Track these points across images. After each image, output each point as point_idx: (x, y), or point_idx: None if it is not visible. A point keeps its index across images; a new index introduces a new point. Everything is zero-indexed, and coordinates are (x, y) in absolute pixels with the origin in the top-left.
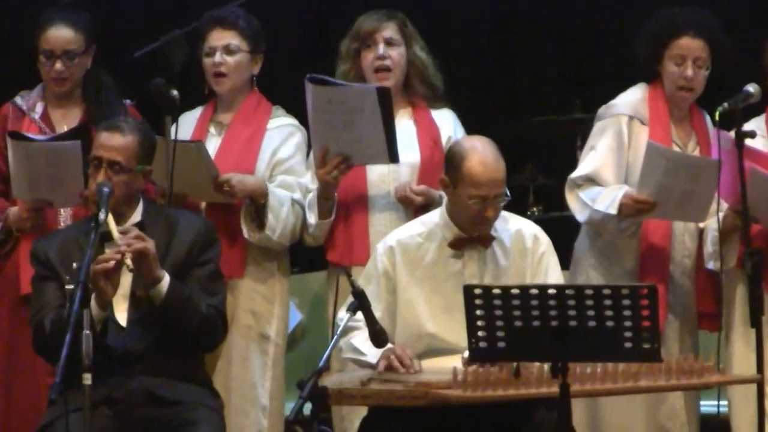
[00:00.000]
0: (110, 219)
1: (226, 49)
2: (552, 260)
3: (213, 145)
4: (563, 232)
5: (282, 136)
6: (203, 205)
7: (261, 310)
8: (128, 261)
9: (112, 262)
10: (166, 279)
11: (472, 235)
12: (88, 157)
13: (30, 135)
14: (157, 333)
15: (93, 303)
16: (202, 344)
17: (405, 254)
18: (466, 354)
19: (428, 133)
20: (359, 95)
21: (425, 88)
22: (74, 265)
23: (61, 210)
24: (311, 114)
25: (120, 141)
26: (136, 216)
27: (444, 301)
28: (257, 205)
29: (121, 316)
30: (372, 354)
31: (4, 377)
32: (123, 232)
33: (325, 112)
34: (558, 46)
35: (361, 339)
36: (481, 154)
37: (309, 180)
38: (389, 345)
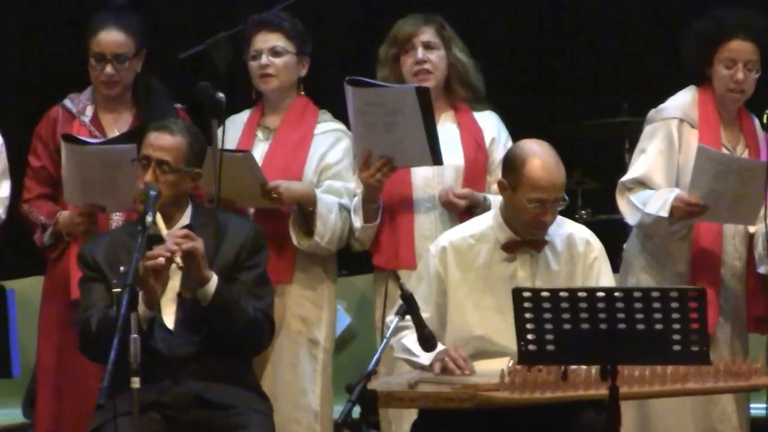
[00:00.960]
0: (159, 219)
1: (273, 51)
2: (604, 266)
3: (260, 150)
4: (611, 235)
5: (329, 141)
6: (251, 211)
7: (310, 316)
8: (178, 259)
9: (162, 259)
10: (214, 279)
11: (525, 238)
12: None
13: (84, 138)
14: (204, 336)
15: (140, 302)
16: (248, 347)
17: (457, 255)
18: (511, 363)
19: (471, 135)
20: (398, 96)
21: (466, 90)
22: (121, 268)
23: (113, 215)
24: (352, 117)
25: (169, 141)
26: (185, 219)
27: (494, 304)
28: (305, 212)
29: (169, 319)
30: (425, 356)
31: (54, 381)
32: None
33: (366, 115)
34: (606, 48)
35: (412, 339)
36: (543, 158)
37: (356, 184)
38: (441, 346)
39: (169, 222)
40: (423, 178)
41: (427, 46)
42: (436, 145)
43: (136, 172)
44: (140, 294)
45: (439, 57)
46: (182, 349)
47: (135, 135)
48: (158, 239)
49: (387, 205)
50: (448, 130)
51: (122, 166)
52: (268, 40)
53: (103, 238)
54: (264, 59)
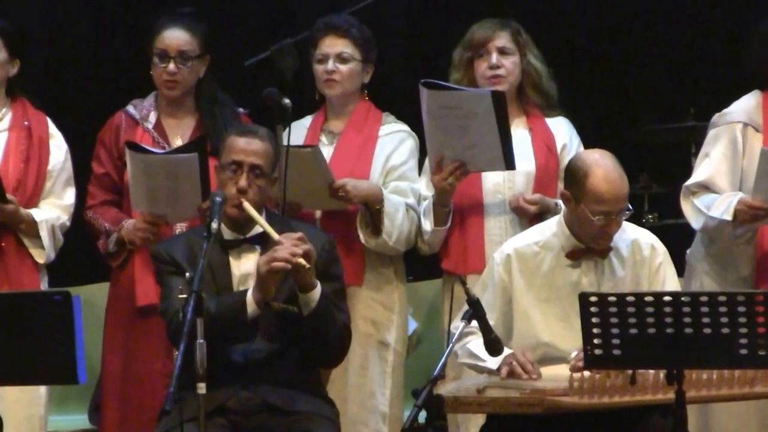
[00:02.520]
0: (262, 220)
1: (339, 57)
2: (669, 270)
3: (325, 153)
4: (678, 240)
5: (394, 143)
6: (318, 214)
7: (380, 318)
8: (302, 260)
9: (288, 265)
10: (319, 287)
11: (590, 246)
12: (204, 168)
13: (148, 147)
14: (278, 343)
15: (250, 299)
16: (330, 358)
17: (522, 263)
18: (573, 354)
19: (543, 140)
20: (473, 100)
21: (539, 96)
22: (187, 274)
23: (176, 225)
24: (426, 119)
25: (260, 146)
26: (258, 227)
27: (560, 311)
28: (372, 210)
29: None
30: (491, 360)
31: (120, 387)
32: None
33: (440, 118)
34: (671, 53)
35: (478, 344)
36: (605, 170)
37: (424, 186)
38: (508, 350)
39: (247, 229)
40: (494, 183)
41: (502, 52)
42: (510, 150)
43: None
44: (250, 292)
45: (513, 63)
46: (257, 355)
47: (197, 144)
48: (236, 243)
49: (457, 209)
50: (519, 135)
51: (185, 175)
52: (335, 45)
53: (178, 240)
54: (330, 64)
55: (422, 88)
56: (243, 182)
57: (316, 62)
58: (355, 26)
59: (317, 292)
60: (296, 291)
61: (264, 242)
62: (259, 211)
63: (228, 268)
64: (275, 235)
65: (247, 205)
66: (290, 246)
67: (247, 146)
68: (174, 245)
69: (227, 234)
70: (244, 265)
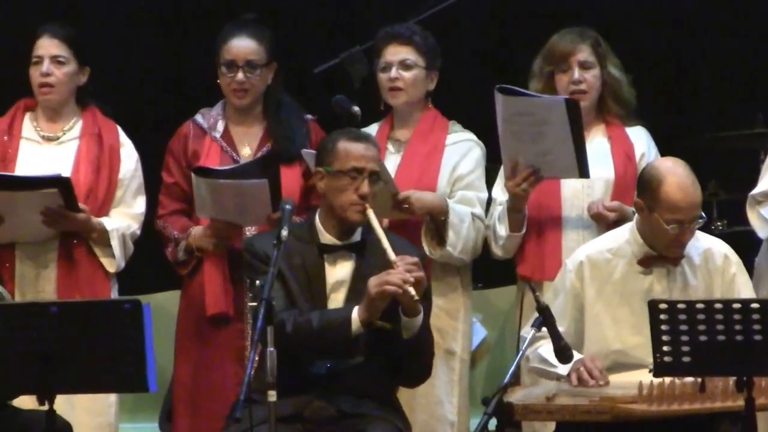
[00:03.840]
0: (383, 233)
1: (403, 64)
2: (743, 280)
3: (392, 162)
4: (747, 247)
5: (461, 152)
6: (386, 222)
7: (445, 326)
8: (412, 291)
9: (400, 290)
10: (422, 314)
11: (662, 254)
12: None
13: (215, 168)
14: (363, 357)
15: (355, 317)
16: (420, 378)
17: (594, 270)
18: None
19: (622, 149)
20: (547, 107)
21: (619, 106)
22: (257, 282)
23: (247, 228)
24: (500, 125)
25: (376, 152)
26: (356, 235)
27: (631, 317)
28: (437, 221)
29: None
30: (562, 366)
31: (191, 395)
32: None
33: (514, 124)
34: (740, 60)
35: (548, 349)
36: (679, 179)
37: (499, 191)
38: (578, 355)
39: (348, 236)
40: (572, 190)
41: (583, 66)
42: (584, 158)
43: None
44: (356, 309)
45: (594, 76)
46: (339, 366)
47: (267, 161)
48: (333, 249)
49: (535, 215)
50: (598, 143)
51: (253, 198)
52: (398, 53)
53: (269, 237)
54: (393, 72)
55: (497, 94)
56: (366, 188)
57: (380, 71)
58: (418, 34)
59: (420, 318)
60: (394, 308)
61: (361, 251)
62: None
63: (323, 273)
64: (392, 255)
65: (371, 212)
66: (404, 271)
67: (366, 152)
68: (267, 241)
69: (325, 238)
70: (339, 272)
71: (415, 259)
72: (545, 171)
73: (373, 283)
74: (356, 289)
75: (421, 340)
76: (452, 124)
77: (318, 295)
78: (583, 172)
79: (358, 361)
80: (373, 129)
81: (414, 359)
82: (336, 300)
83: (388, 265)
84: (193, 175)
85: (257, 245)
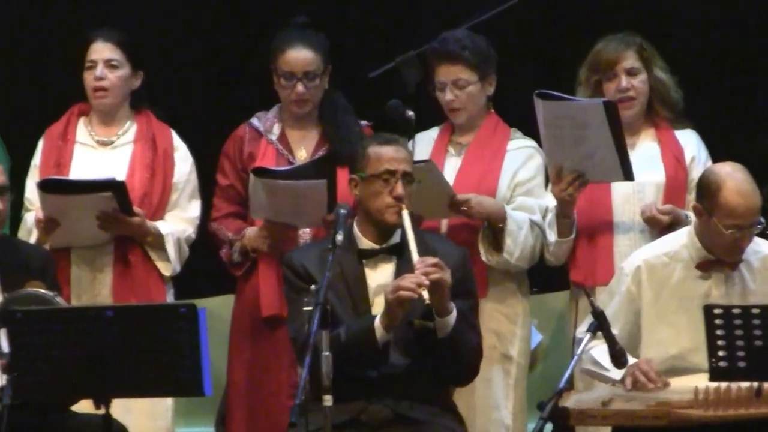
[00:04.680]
0: (412, 239)
1: (456, 85)
2: None
3: (453, 165)
4: None
5: (522, 158)
6: (445, 227)
7: (503, 331)
8: (425, 294)
9: (415, 295)
10: (454, 312)
11: (720, 258)
12: (331, 187)
13: (274, 169)
14: (411, 358)
15: (377, 324)
16: (463, 378)
17: (651, 274)
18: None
19: (672, 152)
20: (586, 110)
21: (667, 109)
22: (312, 286)
23: (301, 230)
24: (542, 130)
25: (406, 153)
26: (395, 237)
27: (688, 322)
28: (495, 228)
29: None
30: (615, 370)
31: (246, 399)
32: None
33: (556, 128)
34: None
35: (601, 351)
36: (738, 184)
37: (550, 197)
38: (632, 359)
39: (386, 240)
40: (623, 195)
41: (630, 73)
42: (627, 160)
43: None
44: (378, 317)
45: (641, 81)
46: (390, 369)
47: (324, 162)
48: (371, 253)
49: (586, 221)
50: (648, 147)
51: (311, 198)
52: (450, 73)
53: (311, 249)
54: (449, 95)
55: (537, 99)
56: (401, 189)
57: (437, 90)
58: (467, 47)
59: (452, 317)
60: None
61: (401, 253)
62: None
63: (363, 279)
64: (415, 257)
65: (406, 213)
66: (419, 274)
67: (397, 154)
68: (307, 254)
69: (363, 243)
70: (380, 276)
71: (435, 260)
72: (590, 175)
73: (389, 288)
74: (432, 287)
75: (456, 339)
76: (513, 131)
77: (361, 301)
78: (628, 174)
79: (407, 363)
80: (433, 132)
81: (452, 358)
82: (379, 304)
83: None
84: (251, 175)
85: (295, 260)
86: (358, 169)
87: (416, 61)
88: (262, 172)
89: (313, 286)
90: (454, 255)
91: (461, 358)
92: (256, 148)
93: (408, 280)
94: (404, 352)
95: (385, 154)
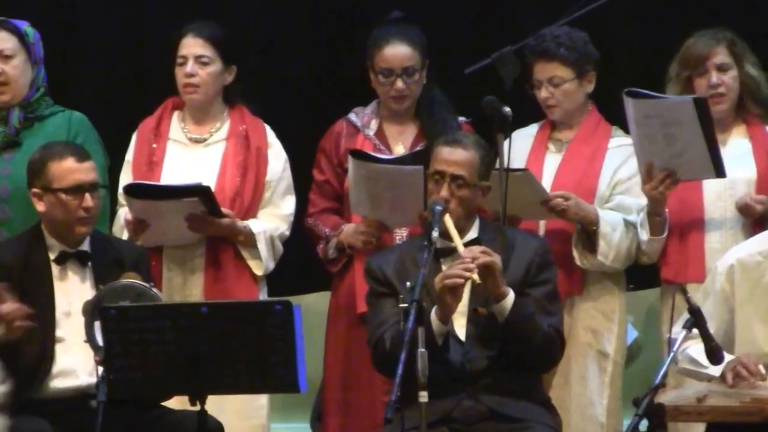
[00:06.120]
0: (455, 233)
1: (552, 82)
2: None
3: (553, 162)
4: None
5: (623, 156)
6: (543, 228)
7: (600, 328)
8: (475, 276)
9: (461, 280)
10: (511, 295)
11: None
12: (426, 175)
13: (373, 154)
14: (496, 350)
15: (433, 316)
16: (540, 363)
17: (744, 273)
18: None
19: (764, 148)
20: (676, 107)
21: (758, 105)
22: (408, 283)
23: (397, 229)
24: (632, 129)
25: (463, 155)
26: (473, 232)
27: None
28: (588, 231)
29: (460, 331)
30: (713, 367)
31: (341, 395)
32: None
33: (646, 127)
34: None
35: (697, 350)
36: None
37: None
38: (729, 356)
39: (462, 236)
40: (714, 192)
41: (720, 68)
42: (718, 156)
43: (419, 188)
44: (434, 309)
45: (732, 78)
46: (475, 363)
47: (422, 154)
48: (447, 252)
49: (677, 218)
50: (739, 143)
51: (409, 186)
52: (545, 71)
53: (392, 252)
54: (544, 91)
55: (626, 98)
56: (444, 192)
57: (534, 88)
58: (564, 44)
59: (509, 300)
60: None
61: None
62: (469, 220)
63: None
64: (461, 248)
65: (447, 218)
66: (466, 261)
67: (449, 156)
68: (386, 259)
69: (440, 242)
70: None
71: (482, 248)
72: (681, 173)
73: (437, 278)
74: (476, 286)
75: (516, 323)
76: (615, 129)
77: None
78: (720, 171)
79: (493, 354)
80: (532, 129)
81: (520, 342)
82: (463, 301)
83: (507, 257)
84: (350, 157)
85: (374, 264)
86: (427, 165)
87: (513, 57)
88: (360, 155)
89: (408, 283)
90: (534, 244)
91: (529, 341)
92: (353, 144)
93: (454, 269)
94: (484, 343)
95: (440, 154)
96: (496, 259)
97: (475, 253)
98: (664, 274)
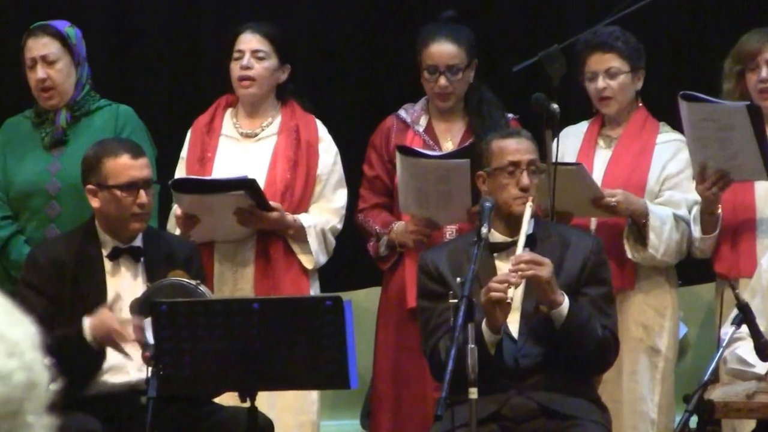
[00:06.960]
0: (525, 227)
1: (608, 73)
2: None
3: (602, 157)
4: None
5: (671, 151)
6: (594, 224)
7: (651, 323)
8: (511, 293)
9: (501, 294)
10: (566, 303)
11: None
12: (476, 174)
13: (420, 150)
14: (548, 347)
15: (485, 326)
16: (595, 366)
17: None
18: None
19: None
20: (729, 113)
21: None
22: (458, 279)
23: (447, 226)
24: (687, 130)
25: (529, 144)
26: (528, 228)
27: None
28: (638, 224)
29: (513, 327)
30: (761, 365)
31: (392, 392)
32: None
33: (700, 129)
34: None
35: (747, 350)
36: None
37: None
38: None
39: (516, 231)
40: (766, 190)
41: None
42: None
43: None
44: (484, 321)
45: None
46: (527, 360)
47: (469, 150)
48: (503, 246)
49: (729, 215)
50: None
51: (457, 180)
52: (602, 62)
53: (444, 248)
54: (600, 82)
55: (681, 101)
56: (526, 180)
57: (587, 81)
58: (619, 38)
59: (564, 308)
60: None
61: (533, 244)
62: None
63: (494, 272)
64: (519, 250)
65: (529, 205)
66: (508, 273)
67: (519, 145)
68: (439, 254)
69: (496, 236)
70: None
71: (530, 256)
72: (734, 174)
73: (483, 291)
74: (531, 282)
75: (572, 330)
76: (662, 125)
77: None
78: None
79: (543, 351)
80: (582, 126)
81: (575, 347)
82: (516, 298)
83: (561, 255)
84: (397, 153)
85: (428, 259)
86: (483, 165)
87: (561, 54)
88: (407, 150)
89: (458, 279)
90: (587, 243)
91: (584, 346)
92: (403, 139)
93: (494, 282)
94: (537, 340)
95: (507, 146)
96: (544, 271)
97: (522, 263)
98: (717, 269)
